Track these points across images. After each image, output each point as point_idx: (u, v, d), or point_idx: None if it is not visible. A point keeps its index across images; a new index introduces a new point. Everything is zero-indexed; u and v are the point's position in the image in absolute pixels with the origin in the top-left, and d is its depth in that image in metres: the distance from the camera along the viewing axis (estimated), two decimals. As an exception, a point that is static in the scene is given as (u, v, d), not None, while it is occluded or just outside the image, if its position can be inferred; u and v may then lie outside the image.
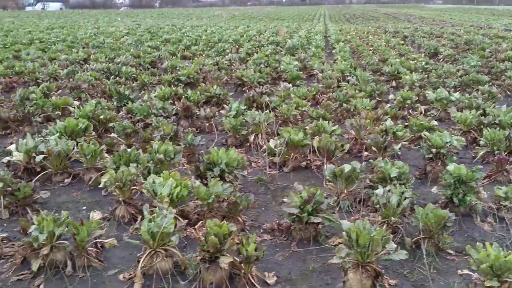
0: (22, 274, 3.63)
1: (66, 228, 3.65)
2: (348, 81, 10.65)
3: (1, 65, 11.63)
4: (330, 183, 4.79)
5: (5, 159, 5.43)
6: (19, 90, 7.99)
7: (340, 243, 3.99)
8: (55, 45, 17.33)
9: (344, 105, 8.10)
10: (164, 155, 5.06)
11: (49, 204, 4.88)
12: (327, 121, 6.43)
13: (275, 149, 5.69)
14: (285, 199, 4.16)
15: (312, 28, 29.69)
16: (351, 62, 13.12)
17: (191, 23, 34.16)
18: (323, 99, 9.19)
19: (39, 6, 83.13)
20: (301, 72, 11.70)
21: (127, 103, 8.01)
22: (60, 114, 7.58)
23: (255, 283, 3.42)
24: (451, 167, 4.52)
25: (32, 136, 5.49)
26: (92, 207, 4.84)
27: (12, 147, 5.46)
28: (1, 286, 3.54)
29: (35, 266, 3.62)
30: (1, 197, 4.55)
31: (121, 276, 3.64)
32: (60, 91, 9.52)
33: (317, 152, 5.70)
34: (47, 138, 5.60)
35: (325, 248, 4.00)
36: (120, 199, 4.49)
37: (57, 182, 5.36)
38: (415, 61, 13.99)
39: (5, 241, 4.06)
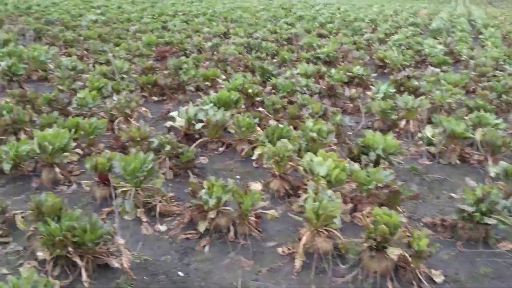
0: (189, 234, 3.87)
1: (232, 196, 3.80)
2: (502, 70, 9.68)
3: (153, 35, 12.47)
4: (500, 182, 4.36)
5: (168, 124, 5.82)
6: (172, 59, 8.50)
7: (514, 249, 3.66)
8: (196, 18, 18.19)
9: (504, 96, 7.34)
10: (317, 134, 5.01)
11: (206, 169, 5.13)
12: (488, 113, 5.88)
13: (432, 138, 5.34)
14: (453, 194, 3.89)
15: (453, 10, 27.47)
16: (504, 50, 11.87)
17: (322, 0, 33.58)
18: (475, 88, 8.45)
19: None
20: (447, 57, 10.86)
21: (270, 79, 8.12)
22: (210, 85, 7.92)
23: (422, 279, 3.25)
24: None
25: (193, 105, 5.79)
26: (244, 177, 4.99)
27: (174, 113, 5.83)
28: (171, 242, 3.81)
29: (201, 228, 3.82)
30: (167, 159, 4.89)
31: (280, 250, 3.70)
32: (207, 62, 9.95)
33: (479, 146, 5.23)
34: (204, 108, 5.87)
35: (496, 252, 3.67)
36: (276, 173, 4.56)
37: (212, 149, 5.61)
38: None
39: (172, 200, 4.35)
